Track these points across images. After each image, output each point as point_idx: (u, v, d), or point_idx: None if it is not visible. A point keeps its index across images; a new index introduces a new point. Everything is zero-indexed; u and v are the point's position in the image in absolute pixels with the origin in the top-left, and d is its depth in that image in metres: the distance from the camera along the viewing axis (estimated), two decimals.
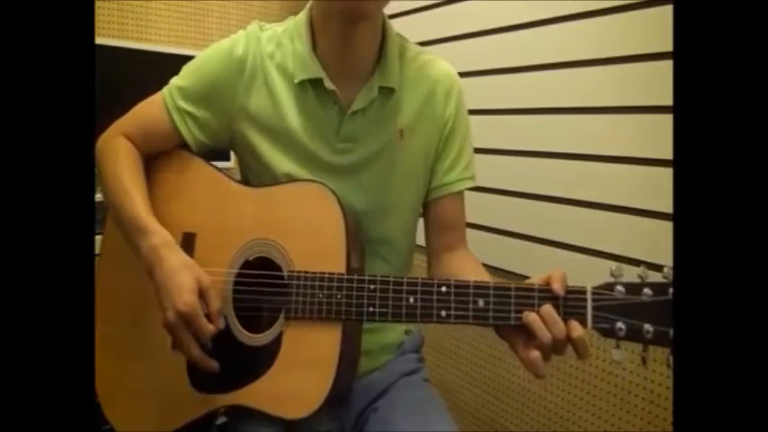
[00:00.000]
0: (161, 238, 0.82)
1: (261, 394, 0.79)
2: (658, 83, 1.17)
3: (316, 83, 0.87)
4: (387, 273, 0.93)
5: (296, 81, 0.87)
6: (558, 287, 0.71)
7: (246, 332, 0.82)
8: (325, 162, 0.88)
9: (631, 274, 0.70)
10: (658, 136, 1.17)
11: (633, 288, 0.69)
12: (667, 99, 1.12)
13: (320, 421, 0.85)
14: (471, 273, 0.86)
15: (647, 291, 0.68)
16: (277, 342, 0.80)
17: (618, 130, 1.26)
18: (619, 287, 0.70)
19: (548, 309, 0.70)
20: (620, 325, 0.69)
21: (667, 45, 1.13)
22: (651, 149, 1.19)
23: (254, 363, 0.80)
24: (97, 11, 1.66)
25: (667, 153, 1.16)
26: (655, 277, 0.69)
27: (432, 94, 0.92)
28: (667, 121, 1.16)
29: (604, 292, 0.70)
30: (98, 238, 0.88)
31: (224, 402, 0.82)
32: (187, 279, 0.79)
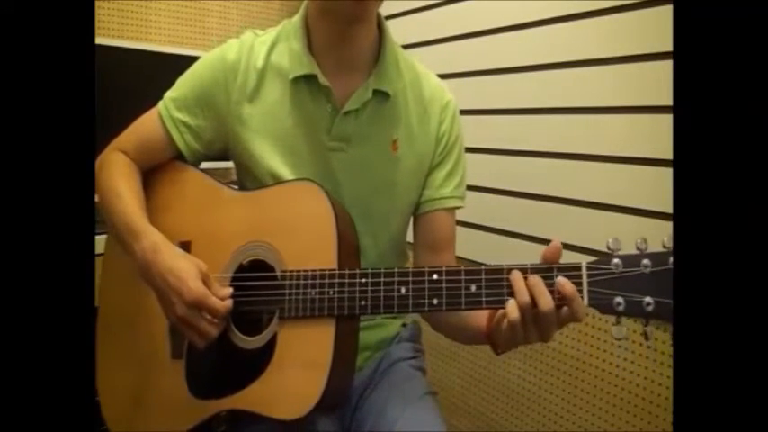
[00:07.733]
0: (154, 238, 0.82)
1: (256, 397, 0.79)
2: (658, 83, 1.17)
3: (310, 80, 0.87)
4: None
5: (290, 78, 0.87)
6: (549, 254, 0.70)
7: (243, 336, 0.82)
8: (316, 161, 0.88)
9: (630, 245, 0.67)
10: (658, 136, 1.17)
11: (631, 260, 0.67)
12: (667, 99, 1.13)
13: (318, 422, 0.85)
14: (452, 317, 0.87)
15: (646, 262, 0.66)
16: (272, 344, 0.79)
17: (618, 130, 1.26)
18: (615, 260, 0.67)
19: (535, 278, 0.69)
20: (618, 300, 0.67)
21: (667, 45, 1.13)
22: (651, 149, 1.19)
23: (251, 366, 0.79)
24: (97, 11, 1.66)
25: (667, 153, 1.16)
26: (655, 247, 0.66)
27: (427, 109, 0.93)
28: (667, 120, 1.16)
29: (600, 266, 0.68)
30: (98, 238, 0.88)
31: (222, 407, 0.81)
32: (188, 266, 0.79)
